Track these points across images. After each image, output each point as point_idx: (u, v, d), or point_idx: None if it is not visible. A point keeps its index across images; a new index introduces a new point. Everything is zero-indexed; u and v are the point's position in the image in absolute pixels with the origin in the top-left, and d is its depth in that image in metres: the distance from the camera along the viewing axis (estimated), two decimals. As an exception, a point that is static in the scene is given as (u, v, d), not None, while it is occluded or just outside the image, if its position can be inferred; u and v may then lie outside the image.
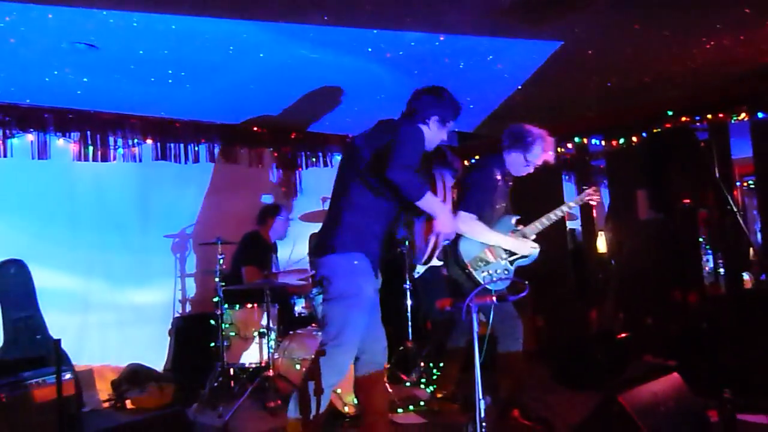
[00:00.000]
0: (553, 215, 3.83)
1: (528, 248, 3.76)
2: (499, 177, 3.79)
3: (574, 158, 6.37)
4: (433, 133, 3.05)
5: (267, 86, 4.74)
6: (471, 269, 3.63)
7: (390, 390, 4.45)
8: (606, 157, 6.25)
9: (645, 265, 5.71)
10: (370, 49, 4.18)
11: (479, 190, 3.73)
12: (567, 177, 6.67)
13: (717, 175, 4.23)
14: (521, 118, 5.84)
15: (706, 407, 3.47)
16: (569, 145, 6.21)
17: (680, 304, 5.38)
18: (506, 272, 3.68)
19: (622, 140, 5.88)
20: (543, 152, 3.77)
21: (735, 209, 4.09)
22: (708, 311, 5.07)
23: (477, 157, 6.84)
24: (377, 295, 3.02)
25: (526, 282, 2.52)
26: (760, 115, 5.17)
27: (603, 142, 6.07)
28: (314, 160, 6.28)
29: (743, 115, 5.24)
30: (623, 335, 5.25)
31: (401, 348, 4.83)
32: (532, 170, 3.84)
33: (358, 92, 5.00)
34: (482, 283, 3.59)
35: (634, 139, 5.79)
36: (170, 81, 4.50)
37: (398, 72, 4.61)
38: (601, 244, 6.75)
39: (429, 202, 2.82)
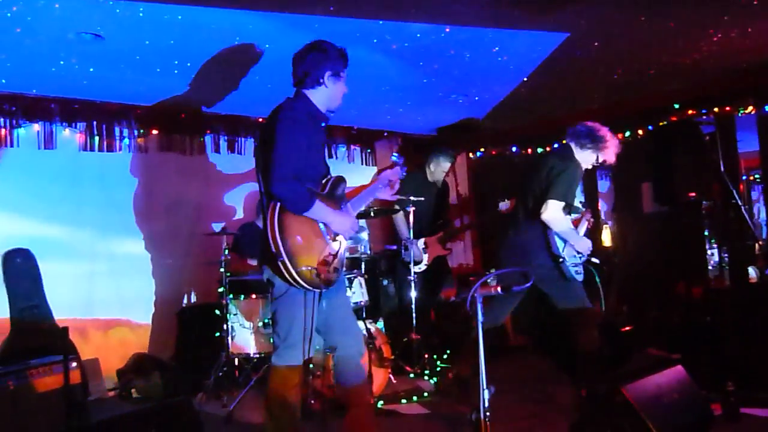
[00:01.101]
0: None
1: (588, 247, 3.94)
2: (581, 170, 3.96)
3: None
4: (332, 90, 2.91)
5: (273, 77, 4.73)
6: (563, 261, 3.79)
7: (395, 381, 4.49)
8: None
9: (649, 259, 5.72)
10: (375, 40, 4.17)
11: (567, 180, 3.79)
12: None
13: (722, 168, 4.20)
14: (527, 110, 5.94)
15: (710, 400, 3.49)
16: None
17: (684, 298, 5.38)
18: (581, 268, 3.90)
19: (627, 133, 5.86)
20: (613, 155, 3.98)
21: (740, 203, 4.07)
22: (712, 305, 5.05)
23: (482, 149, 6.85)
24: (340, 289, 2.97)
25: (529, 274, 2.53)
26: (767, 108, 5.15)
27: (608, 135, 6.06)
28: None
29: (750, 108, 5.22)
30: (627, 328, 5.25)
31: (405, 340, 4.84)
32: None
33: (364, 84, 4.99)
34: (572, 276, 3.81)
35: (640, 131, 5.78)
36: (176, 72, 4.50)
37: (403, 63, 4.60)
38: (606, 238, 6.75)
39: (318, 212, 2.69)
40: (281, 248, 2.59)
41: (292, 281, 2.63)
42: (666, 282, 5.53)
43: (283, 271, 2.60)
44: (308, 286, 2.66)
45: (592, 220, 4.34)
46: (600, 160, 3.95)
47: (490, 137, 6.66)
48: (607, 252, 6.55)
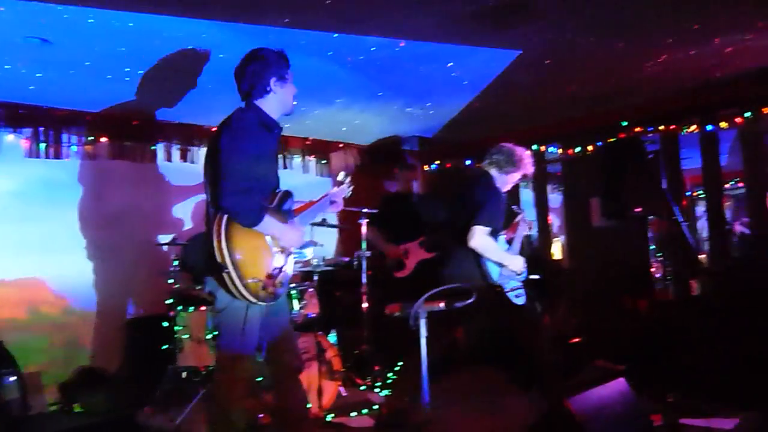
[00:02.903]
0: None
1: (522, 266, 3.97)
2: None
3: (535, 166, 6.48)
4: (281, 94, 2.91)
5: (227, 87, 4.68)
6: (502, 289, 3.82)
7: (345, 394, 4.48)
8: (562, 164, 6.38)
9: (598, 271, 5.85)
10: (330, 53, 4.19)
11: (491, 206, 3.84)
12: (525, 184, 6.78)
13: (665, 185, 4.36)
14: (481, 125, 6.03)
15: (652, 411, 3.59)
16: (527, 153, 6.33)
17: (631, 310, 5.53)
18: (521, 291, 3.92)
19: (578, 149, 6.03)
20: (531, 167, 4.13)
21: (680, 219, 4.21)
22: (656, 317, 5.21)
23: (437, 162, 6.92)
24: (283, 303, 2.97)
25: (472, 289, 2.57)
26: (709, 127, 5.36)
27: (560, 150, 6.21)
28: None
29: (694, 127, 5.43)
30: (576, 340, 5.36)
31: (356, 352, 4.84)
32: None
33: (319, 96, 5.01)
34: (514, 303, 3.85)
35: (590, 147, 5.94)
36: (127, 79, 4.44)
37: (359, 76, 4.63)
38: (557, 251, 6.90)
39: (267, 225, 2.67)
40: (227, 259, 2.56)
41: (236, 293, 2.60)
42: (614, 294, 5.66)
43: (228, 282, 2.58)
44: (253, 299, 2.64)
45: (528, 225, 4.40)
46: (522, 176, 4.10)
47: (445, 150, 6.73)
48: (558, 265, 6.70)
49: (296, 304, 4.33)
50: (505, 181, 4.03)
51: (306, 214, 3.09)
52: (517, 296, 3.89)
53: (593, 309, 5.78)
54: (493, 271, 3.84)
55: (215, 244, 2.57)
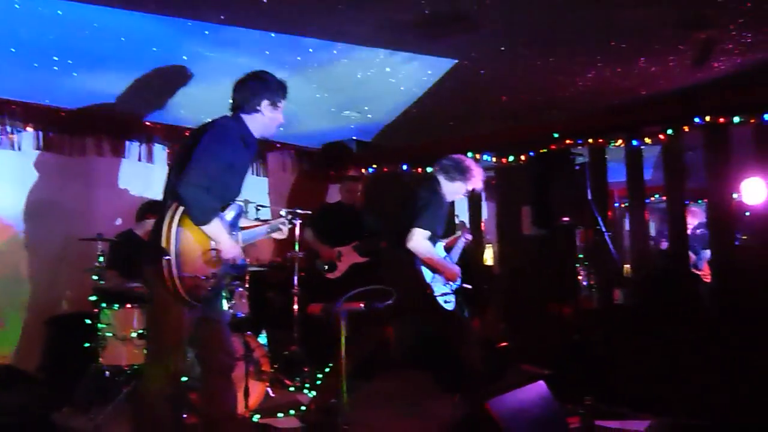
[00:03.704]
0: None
1: (457, 276, 4.01)
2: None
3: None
4: (268, 118, 2.98)
5: (160, 80, 4.62)
6: (432, 292, 3.82)
7: (273, 395, 4.46)
8: (496, 173, 6.52)
9: (527, 278, 6.01)
10: (267, 52, 4.18)
11: (433, 210, 3.85)
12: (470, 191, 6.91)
13: (590, 196, 4.52)
14: (418, 131, 6.11)
15: (569, 413, 3.71)
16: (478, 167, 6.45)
17: (557, 316, 5.69)
18: (451, 297, 3.95)
19: (511, 158, 6.17)
20: (480, 182, 4.13)
21: (603, 229, 4.38)
22: (580, 323, 5.39)
23: (375, 166, 6.96)
24: (214, 305, 2.96)
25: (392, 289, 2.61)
26: (634, 142, 5.59)
27: (494, 159, 6.34)
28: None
29: (620, 141, 5.65)
30: (503, 344, 5.49)
31: (286, 353, 4.82)
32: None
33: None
34: (444, 308, 3.85)
35: (523, 157, 6.09)
36: (56, 68, 4.30)
37: (297, 76, 4.62)
38: (488, 257, 7.04)
39: (214, 229, 2.69)
40: (172, 245, 2.58)
41: (171, 285, 2.60)
42: (541, 301, 5.82)
43: (165, 272, 2.58)
44: (185, 295, 2.63)
45: (469, 237, 4.50)
46: (469, 189, 4.12)
47: (382, 154, 6.78)
48: (488, 271, 6.84)
49: (225, 304, 4.27)
50: (450, 190, 4.05)
51: (250, 233, 3.12)
52: (446, 301, 3.95)
53: (521, 315, 5.94)
54: (426, 276, 3.89)
55: (164, 229, 2.60)
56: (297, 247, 4.93)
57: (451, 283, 3.98)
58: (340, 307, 2.38)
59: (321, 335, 5.35)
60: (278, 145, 6.62)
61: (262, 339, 4.80)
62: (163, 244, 2.59)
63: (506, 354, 5.35)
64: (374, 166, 6.93)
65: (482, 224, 6.57)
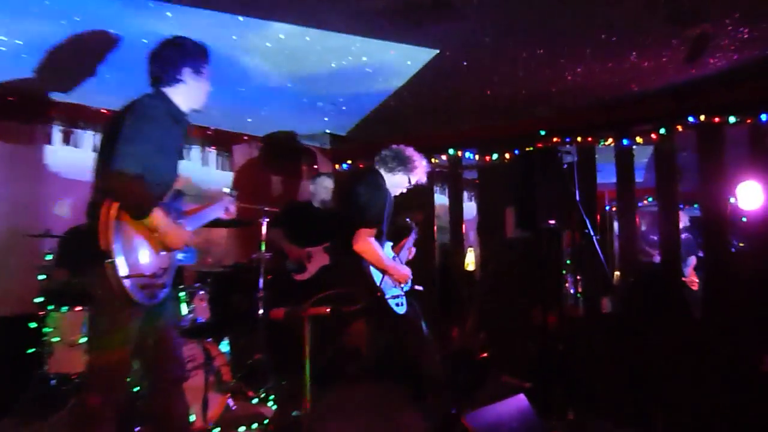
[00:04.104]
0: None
1: (407, 277, 4.03)
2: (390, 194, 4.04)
3: (447, 170, 6.64)
4: (194, 88, 2.93)
5: (119, 66, 4.56)
6: (383, 295, 3.83)
7: (234, 407, 4.44)
8: (478, 171, 6.56)
9: (509, 285, 6.06)
10: (235, 37, 4.15)
11: (377, 206, 3.85)
12: (439, 189, 6.94)
13: (578, 197, 4.56)
14: (396, 125, 6.13)
15: (551, 428, 3.76)
16: (443, 157, 6.48)
17: (540, 325, 5.74)
18: (402, 300, 3.97)
19: (495, 155, 6.23)
20: (424, 174, 4.17)
21: (591, 233, 4.42)
22: (564, 333, 5.43)
23: (349, 161, 6.97)
24: (165, 307, 2.92)
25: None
26: (624, 142, 5.67)
27: (476, 156, 6.39)
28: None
29: (610, 140, 5.73)
30: (482, 355, 5.53)
31: (249, 362, 4.81)
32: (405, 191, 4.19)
33: (221, 82, 4.92)
34: (395, 311, 3.87)
35: (507, 155, 6.15)
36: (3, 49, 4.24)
37: (266, 64, 4.61)
38: (470, 261, 7.08)
39: (155, 221, 2.63)
40: (112, 247, 2.53)
41: (116, 288, 2.56)
42: (524, 309, 5.86)
43: (109, 274, 2.54)
44: (133, 297, 2.60)
45: (413, 239, 4.51)
46: (412, 182, 4.15)
47: (358, 149, 6.79)
48: (469, 276, 6.88)
49: (184, 308, 4.26)
50: (392, 183, 4.07)
51: (196, 217, 3.09)
52: (397, 305, 3.96)
53: (502, 323, 5.98)
54: (376, 277, 3.87)
55: (101, 230, 2.54)
56: (263, 248, 4.92)
57: (401, 285, 4.00)
58: (305, 311, 2.38)
59: (288, 342, 5.37)
60: (245, 138, 6.59)
61: (224, 346, 4.78)
62: (102, 245, 2.53)
63: (486, 365, 5.40)
64: (349, 161, 6.95)
65: (462, 226, 6.60)
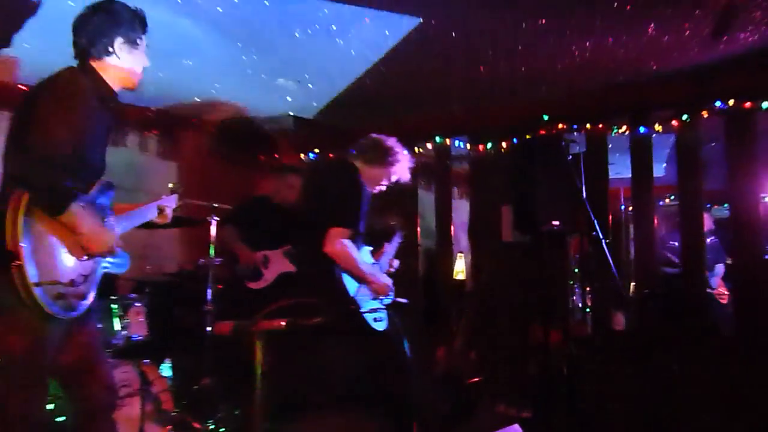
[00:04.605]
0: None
1: (387, 288, 4.07)
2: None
3: (433, 162, 6.68)
4: (127, 61, 2.91)
5: (37, 32, 4.56)
6: (358, 308, 3.85)
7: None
8: (470, 163, 6.61)
9: (505, 297, 6.12)
10: (180, 0, 4.16)
11: (353, 203, 3.87)
12: (424, 184, 6.98)
13: (586, 195, 4.60)
14: (372, 107, 6.15)
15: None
16: (428, 146, 6.52)
17: (541, 345, 5.80)
18: (383, 314, 4.00)
19: (489, 145, 6.27)
20: (406, 170, 4.19)
21: (600, 236, 4.47)
22: (569, 355, 5.49)
23: (317, 150, 6.99)
24: (88, 321, 2.92)
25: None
26: (641, 130, 5.73)
27: (468, 146, 6.43)
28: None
29: (624, 128, 5.79)
30: (474, 379, 5.58)
31: (195, 387, 4.80)
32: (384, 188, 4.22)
33: (164, 55, 4.92)
34: (372, 327, 3.89)
35: (504, 144, 6.20)
36: None
37: (217, 34, 4.62)
38: (460, 269, 7.13)
39: (74, 218, 2.60)
40: (20, 247, 2.51)
41: (24, 295, 2.53)
42: (523, 326, 5.92)
43: (16, 279, 2.51)
44: (45, 308, 2.57)
45: (397, 244, 4.54)
46: (392, 179, 4.18)
47: (327, 136, 6.82)
48: (459, 287, 6.93)
49: (117, 323, 4.25)
50: (370, 177, 4.08)
51: (128, 216, 3.08)
52: (376, 320, 3.99)
53: (497, 342, 6.03)
54: (350, 286, 3.91)
55: (8, 227, 2.51)
56: (212, 252, 4.92)
57: (380, 297, 4.04)
58: (255, 325, 2.41)
59: (240, 364, 5.38)
60: (193, 121, 6.59)
61: (165, 369, 4.77)
62: (9, 246, 2.49)
63: (477, 391, 5.45)
64: (316, 150, 6.97)
65: (451, 228, 6.66)
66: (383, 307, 4.03)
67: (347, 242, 3.79)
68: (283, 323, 2.60)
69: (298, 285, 4.00)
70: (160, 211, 3.28)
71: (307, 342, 3.93)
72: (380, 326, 3.99)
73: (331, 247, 3.75)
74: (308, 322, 2.62)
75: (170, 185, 3.50)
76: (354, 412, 3.96)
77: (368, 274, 3.93)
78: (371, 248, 4.25)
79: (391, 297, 4.14)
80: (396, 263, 4.56)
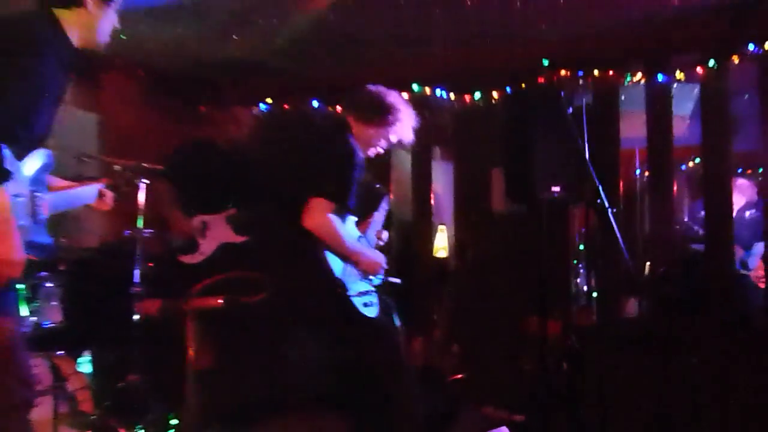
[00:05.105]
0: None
1: (381, 265, 4.12)
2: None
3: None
4: (97, 16, 2.96)
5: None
6: (346, 292, 3.86)
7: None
8: (453, 117, 6.62)
9: (495, 279, 6.16)
10: None
11: (343, 170, 3.86)
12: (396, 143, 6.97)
13: (590, 155, 4.59)
14: (336, 50, 6.12)
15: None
16: (404, 96, 6.47)
17: (536, 336, 5.84)
18: (374, 297, 4.03)
19: (477, 95, 6.26)
20: (409, 130, 4.19)
21: (608, 207, 4.47)
22: (571, 348, 5.54)
23: (269, 100, 6.95)
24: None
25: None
26: (659, 78, 5.74)
27: (451, 95, 6.42)
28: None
29: (639, 76, 5.80)
30: (457, 376, 5.61)
31: (120, 384, 4.80)
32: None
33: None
34: (362, 313, 3.92)
35: (494, 95, 6.20)
36: None
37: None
38: (441, 245, 7.13)
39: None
40: None
41: None
42: (515, 313, 5.94)
43: None
44: None
45: (384, 211, 4.56)
46: (392, 140, 4.18)
47: (280, 84, 6.79)
48: (439, 267, 6.94)
49: (23, 308, 4.24)
50: (365, 138, 4.09)
51: (62, 197, 3.12)
52: (366, 305, 4.01)
53: (484, 332, 6.06)
54: (336, 266, 3.93)
55: None
56: (141, 222, 4.89)
57: (371, 277, 4.06)
58: (187, 304, 2.41)
59: (176, 355, 5.37)
60: (118, 62, 6.52)
61: (84, 363, 4.77)
62: None
63: (460, 390, 5.48)
64: (269, 101, 6.92)
65: (430, 196, 6.67)
66: (373, 290, 4.05)
67: (333, 217, 3.80)
68: (220, 301, 2.60)
69: (268, 265, 3.94)
70: (101, 195, 3.32)
71: (275, 330, 3.96)
72: (371, 312, 4.00)
73: (312, 222, 3.73)
74: (251, 299, 2.61)
75: (118, 167, 3.50)
76: (328, 417, 3.98)
77: (356, 251, 3.95)
78: (356, 219, 4.25)
79: (381, 276, 4.16)
80: (385, 235, 4.60)
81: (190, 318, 2.50)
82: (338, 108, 4.26)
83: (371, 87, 4.17)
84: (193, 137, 5.80)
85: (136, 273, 4.88)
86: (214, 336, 3.15)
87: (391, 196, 6.60)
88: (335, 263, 3.91)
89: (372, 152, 4.18)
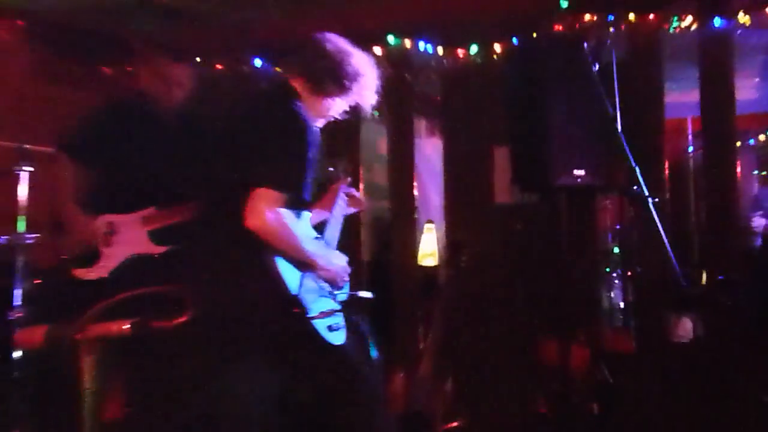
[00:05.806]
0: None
1: (344, 271, 4.10)
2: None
3: (388, 77, 6.61)
4: None
5: None
6: (304, 311, 3.78)
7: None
8: (442, 79, 6.57)
9: (500, 294, 6.12)
10: None
11: (292, 149, 3.81)
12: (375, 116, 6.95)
13: (622, 128, 4.54)
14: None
15: None
16: (377, 51, 6.44)
17: (557, 367, 5.80)
18: (339, 319, 3.98)
19: (474, 48, 6.22)
20: (372, 94, 4.13)
21: (648, 196, 4.41)
22: (603, 382, 5.51)
23: (197, 59, 6.90)
24: None
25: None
26: (716, 22, 5.70)
27: (439, 50, 6.38)
28: None
29: (689, 20, 5.75)
30: (452, 424, 5.57)
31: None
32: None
33: None
34: (325, 340, 3.84)
35: (497, 48, 6.15)
36: None
37: None
38: (429, 247, 7.12)
39: None
40: None
41: None
42: (528, 338, 5.93)
43: None
44: None
45: (356, 195, 4.54)
46: (350, 107, 4.15)
47: (211, 37, 6.75)
48: (428, 276, 6.92)
49: None
50: (321, 109, 4.08)
51: None
52: (330, 328, 3.95)
53: (488, 359, 6.04)
54: (290, 279, 3.86)
55: None
56: (23, 225, 4.85)
57: (334, 289, 4.03)
58: (79, 330, 2.34)
59: (69, 403, 5.35)
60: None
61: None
62: None
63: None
64: (197, 59, 6.89)
65: (413, 185, 6.63)
66: (338, 307, 3.99)
67: (283, 211, 3.75)
68: (126, 327, 2.53)
69: (195, 278, 3.88)
70: None
71: (203, 365, 3.88)
72: (336, 338, 3.94)
73: (254, 221, 3.68)
74: (169, 323, 2.55)
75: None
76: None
77: (315, 257, 3.90)
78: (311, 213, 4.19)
79: (347, 291, 4.12)
80: (358, 197, 4.60)
81: (85, 351, 2.42)
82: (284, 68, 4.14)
83: (329, 44, 4.11)
84: (109, 100, 5.73)
85: (16, 292, 4.84)
86: (119, 374, 3.07)
87: (361, 186, 6.58)
88: (289, 274, 3.85)
89: (326, 121, 4.15)
